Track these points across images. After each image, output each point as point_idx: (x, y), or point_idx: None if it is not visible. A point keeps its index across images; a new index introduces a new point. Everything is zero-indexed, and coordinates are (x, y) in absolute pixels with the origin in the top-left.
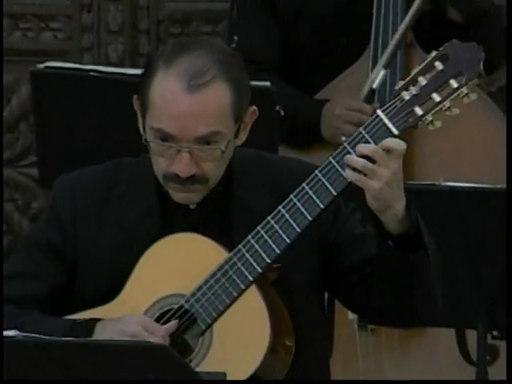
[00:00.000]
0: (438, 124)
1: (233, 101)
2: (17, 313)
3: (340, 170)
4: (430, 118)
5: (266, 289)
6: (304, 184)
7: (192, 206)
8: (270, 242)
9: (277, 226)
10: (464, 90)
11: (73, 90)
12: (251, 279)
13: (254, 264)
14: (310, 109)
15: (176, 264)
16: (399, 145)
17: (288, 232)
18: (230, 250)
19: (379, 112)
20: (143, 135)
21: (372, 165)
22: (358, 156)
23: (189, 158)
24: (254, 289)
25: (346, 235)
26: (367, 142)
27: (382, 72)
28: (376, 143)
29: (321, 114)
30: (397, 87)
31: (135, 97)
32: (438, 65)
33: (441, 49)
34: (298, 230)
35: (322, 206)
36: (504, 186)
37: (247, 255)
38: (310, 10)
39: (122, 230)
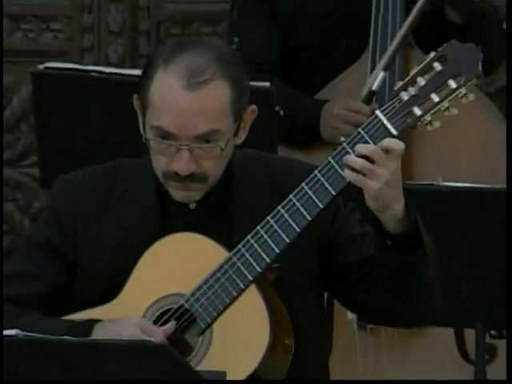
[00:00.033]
0: (437, 124)
1: (232, 99)
2: (16, 313)
3: (339, 170)
4: (429, 119)
5: (266, 288)
6: (303, 184)
7: (192, 206)
8: (270, 242)
9: (276, 226)
10: (462, 90)
11: (73, 90)
12: (251, 279)
13: (254, 264)
14: (309, 109)
15: (176, 264)
16: (398, 145)
17: (287, 232)
18: (229, 250)
19: (378, 112)
20: (143, 134)
21: (371, 165)
22: (356, 156)
23: (188, 155)
24: (253, 288)
25: (345, 235)
26: (366, 142)
27: (382, 74)
28: (375, 143)
29: (320, 115)
30: (396, 88)
31: (135, 96)
32: (437, 65)
33: (439, 50)
34: (298, 229)
35: (321, 206)
36: (503, 185)
37: (247, 255)
38: (309, 10)
39: (121, 230)
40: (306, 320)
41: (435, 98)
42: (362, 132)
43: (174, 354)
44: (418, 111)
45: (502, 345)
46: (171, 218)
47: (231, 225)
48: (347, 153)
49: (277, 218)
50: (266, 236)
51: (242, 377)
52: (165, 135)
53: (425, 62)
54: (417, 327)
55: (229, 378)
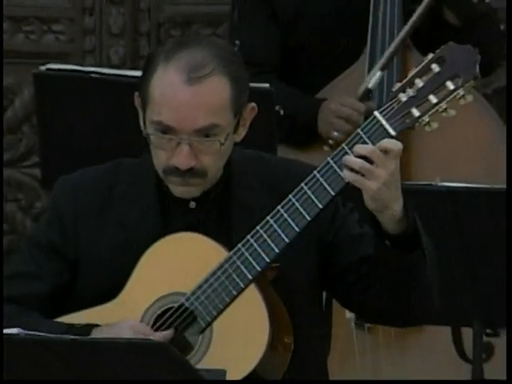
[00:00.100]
0: (435, 125)
1: (232, 95)
2: (16, 313)
3: (338, 170)
4: (427, 120)
5: (265, 287)
6: (303, 184)
7: (192, 206)
8: (269, 242)
9: (276, 226)
10: (460, 91)
11: (75, 91)
12: (250, 278)
13: (254, 263)
14: (309, 108)
15: (176, 263)
16: (396, 145)
17: (287, 232)
18: (229, 250)
19: (376, 113)
20: (143, 130)
21: (369, 165)
22: (355, 156)
23: (188, 150)
24: (253, 287)
25: (344, 235)
26: (365, 142)
27: (379, 73)
28: (373, 144)
29: (318, 112)
30: (394, 89)
31: (136, 94)
32: (435, 67)
33: (437, 51)
34: (297, 229)
35: (320, 206)
36: (500, 185)
37: (246, 254)
38: (309, 10)
39: (122, 230)
40: (304, 319)
41: (433, 99)
42: (361, 133)
43: (174, 353)
44: (416, 112)
45: (498, 343)
46: (171, 217)
47: (231, 225)
48: (346, 153)
49: (276, 217)
50: (265, 236)
51: (241, 375)
52: (165, 129)
53: (423, 64)
54: (414, 326)
55: (229, 376)
